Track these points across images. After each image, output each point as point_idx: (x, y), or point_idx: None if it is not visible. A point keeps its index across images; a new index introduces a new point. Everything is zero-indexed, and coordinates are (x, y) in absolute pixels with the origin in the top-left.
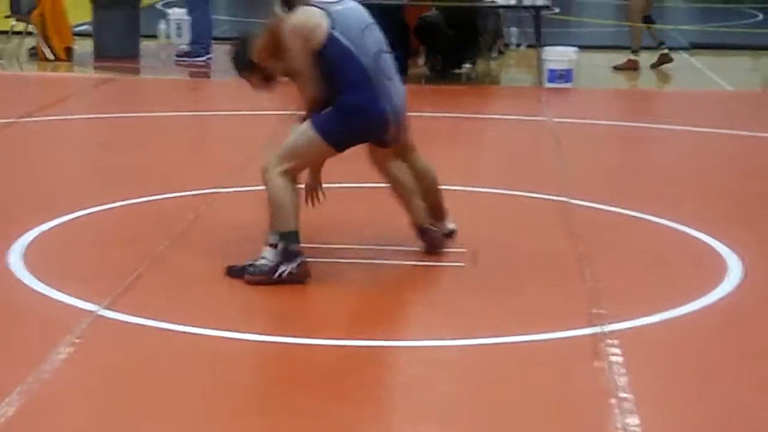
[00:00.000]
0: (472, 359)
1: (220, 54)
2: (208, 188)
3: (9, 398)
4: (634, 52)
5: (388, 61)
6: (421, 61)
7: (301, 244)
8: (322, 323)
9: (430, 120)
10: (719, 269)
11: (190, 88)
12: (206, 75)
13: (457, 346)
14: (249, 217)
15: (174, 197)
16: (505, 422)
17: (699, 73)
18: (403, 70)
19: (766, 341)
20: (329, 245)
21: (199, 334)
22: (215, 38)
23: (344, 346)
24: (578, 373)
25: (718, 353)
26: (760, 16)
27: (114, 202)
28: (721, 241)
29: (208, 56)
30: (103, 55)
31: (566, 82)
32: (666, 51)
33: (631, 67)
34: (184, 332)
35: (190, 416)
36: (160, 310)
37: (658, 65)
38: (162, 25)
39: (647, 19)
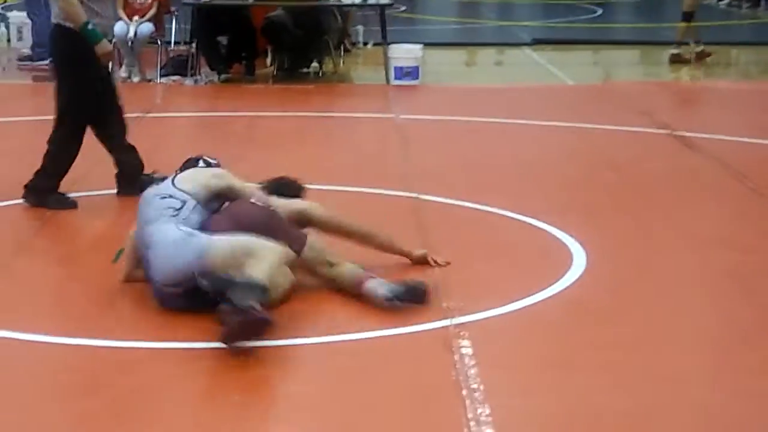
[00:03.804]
0: (322, 357)
1: None
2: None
3: None
4: (678, 45)
5: (152, 230)
6: (268, 61)
7: None
8: (167, 327)
9: (279, 119)
10: (564, 259)
11: (34, 93)
12: (49, 79)
13: (304, 344)
14: (96, 222)
15: (21, 203)
16: (357, 419)
17: (541, 68)
18: (250, 71)
19: (609, 329)
20: None
21: (46, 342)
22: None
23: (192, 349)
24: (429, 367)
25: (564, 342)
26: (600, 11)
27: None
28: (565, 232)
29: (51, 60)
30: None
31: (413, 79)
32: (702, 48)
33: (677, 60)
34: (32, 341)
35: (33, 427)
36: (4, 318)
37: (698, 59)
38: (2, 29)
39: (687, 16)
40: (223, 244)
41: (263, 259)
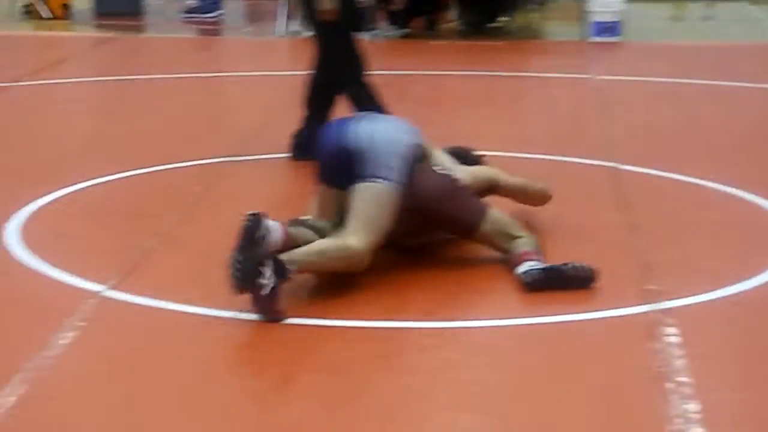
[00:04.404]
0: (512, 341)
1: (232, 9)
2: (221, 157)
3: (9, 388)
4: None
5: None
6: (453, 14)
7: None
8: (346, 304)
9: (464, 79)
10: None
11: (199, 47)
12: (216, 33)
13: (495, 326)
14: (265, 188)
15: (183, 167)
16: (548, 410)
17: (759, 25)
18: (432, 26)
19: None
20: None
21: (214, 316)
22: None
23: (372, 328)
24: (631, 355)
25: None
26: None
27: (118, 173)
28: None
29: (219, 12)
30: (103, 13)
31: (613, 35)
32: None
33: None
34: (197, 314)
35: (204, 404)
36: (170, 290)
37: None
38: None
39: None
40: (371, 197)
41: (340, 243)
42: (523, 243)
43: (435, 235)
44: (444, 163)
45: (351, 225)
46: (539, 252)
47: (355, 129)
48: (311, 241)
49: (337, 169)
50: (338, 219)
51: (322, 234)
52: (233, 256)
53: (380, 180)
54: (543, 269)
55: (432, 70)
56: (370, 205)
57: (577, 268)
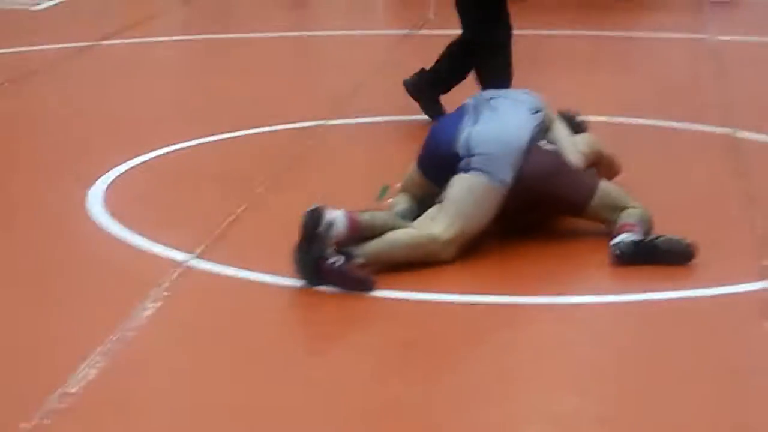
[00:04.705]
0: (616, 318)
1: None
2: (313, 120)
3: (90, 359)
4: None
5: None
6: None
7: None
8: (442, 276)
9: (570, 39)
10: None
11: (294, 4)
12: None
13: (598, 302)
14: (358, 153)
15: (274, 130)
16: (652, 395)
17: None
18: None
19: None
20: None
21: (301, 288)
22: None
23: (468, 303)
24: (746, 336)
25: None
26: None
27: (206, 136)
28: None
29: None
30: None
31: None
32: None
33: None
34: (286, 285)
35: (289, 380)
36: (258, 260)
37: None
38: None
39: None
40: (468, 189)
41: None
42: (628, 214)
43: (543, 214)
44: (562, 138)
45: (440, 213)
46: (644, 224)
47: (467, 134)
48: (387, 229)
49: (439, 168)
50: (423, 205)
51: (404, 219)
52: (294, 252)
53: (483, 174)
54: (635, 241)
55: (535, 28)
56: (466, 197)
57: (673, 242)
